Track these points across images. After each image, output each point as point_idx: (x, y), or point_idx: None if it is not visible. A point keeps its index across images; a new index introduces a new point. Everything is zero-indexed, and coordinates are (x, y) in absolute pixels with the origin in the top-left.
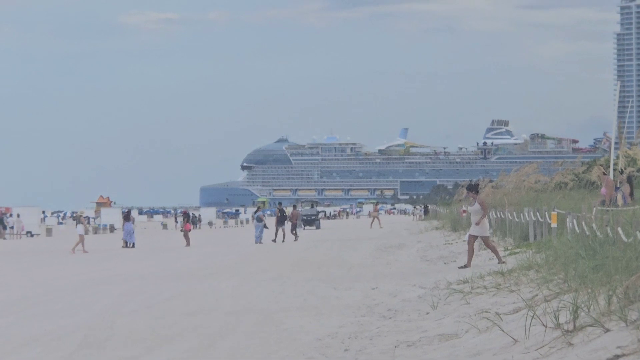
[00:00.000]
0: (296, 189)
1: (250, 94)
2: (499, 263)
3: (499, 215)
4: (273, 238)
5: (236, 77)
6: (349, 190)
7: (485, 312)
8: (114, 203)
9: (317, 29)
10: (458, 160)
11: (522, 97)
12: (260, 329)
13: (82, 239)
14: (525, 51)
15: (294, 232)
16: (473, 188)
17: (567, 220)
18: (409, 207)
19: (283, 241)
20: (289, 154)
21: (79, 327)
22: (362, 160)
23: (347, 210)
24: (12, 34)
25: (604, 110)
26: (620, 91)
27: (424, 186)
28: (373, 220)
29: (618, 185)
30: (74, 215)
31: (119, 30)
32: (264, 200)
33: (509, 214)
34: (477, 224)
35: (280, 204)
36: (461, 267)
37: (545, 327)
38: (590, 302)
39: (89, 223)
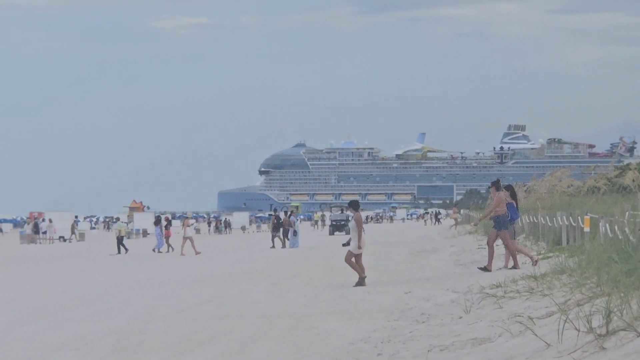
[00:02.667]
0: (313, 194)
1: (277, 98)
2: (355, 285)
3: (532, 220)
4: (271, 245)
5: (266, 81)
6: (366, 194)
7: (518, 316)
8: (147, 208)
9: (347, 34)
10: (475, 164)
11: (553, 102)
12: (293, 333)
13: (192, 240)
14: (556, 56)
15: (286, 238)
16: (353, 205)
17: (600, 224)
18: (443, 212)
19: (273, 247)
20: (306, 159)
21: (111, 331)
22: (379, 164)
23: (381, 214)
24: (43, 38)
25: (637, 114)
26: None
27: (441, 191)
28: (455, 224)
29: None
30: (106, 219)
31: (150, 34)
32: (297, 205)
33: (541, 218)
34: (346, 244)
35: (275, 210)
36: (356, 285)
37: (578, 331)
38: (623, 306)
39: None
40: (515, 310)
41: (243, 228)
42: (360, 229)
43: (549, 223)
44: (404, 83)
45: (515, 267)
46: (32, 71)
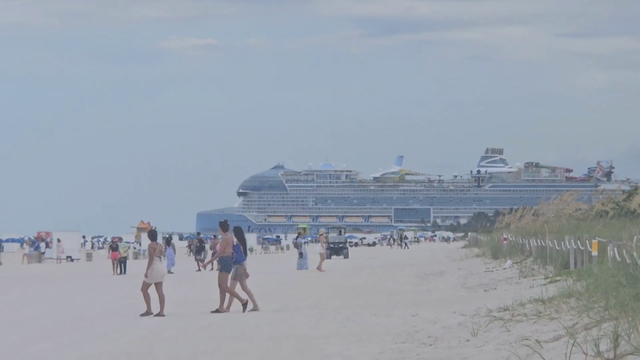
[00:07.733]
0: (291, 216)
1: (266, 120)
2: (142, 314)
3: (539, 243)
4: (197, 269)
5: (264, 103)
6: (343, 217)
7: (526, 339)
8: (155, 228)
9: (355, 56)
10: (452, 188)
11: (560, 126)
12: (300, 355)
13: (322, 257)
14: (563, 80)
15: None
16: (151, 235)
17: (608, 248)
18: (451, 234)
19: (199, 270)
20: (284, 181)
21: (118, 352)
22: (356, 187)
23: (388, 237)
24: (51, 59)
25: None
26: None
27: (418, 213)
28: None
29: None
30: (111, 242)
31: (158, 55)
32: (305, 226)
33: (549, 242)
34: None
35: (199, 234)
36: (142, 315)
37: (586, 355)
38: (631, 330)
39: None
40: (522, 334)
41: (250, 249)
42: (152, 258)
43: (557, 247)
44: (389, 106)
45: (226, 310)
46: (40, 91)
